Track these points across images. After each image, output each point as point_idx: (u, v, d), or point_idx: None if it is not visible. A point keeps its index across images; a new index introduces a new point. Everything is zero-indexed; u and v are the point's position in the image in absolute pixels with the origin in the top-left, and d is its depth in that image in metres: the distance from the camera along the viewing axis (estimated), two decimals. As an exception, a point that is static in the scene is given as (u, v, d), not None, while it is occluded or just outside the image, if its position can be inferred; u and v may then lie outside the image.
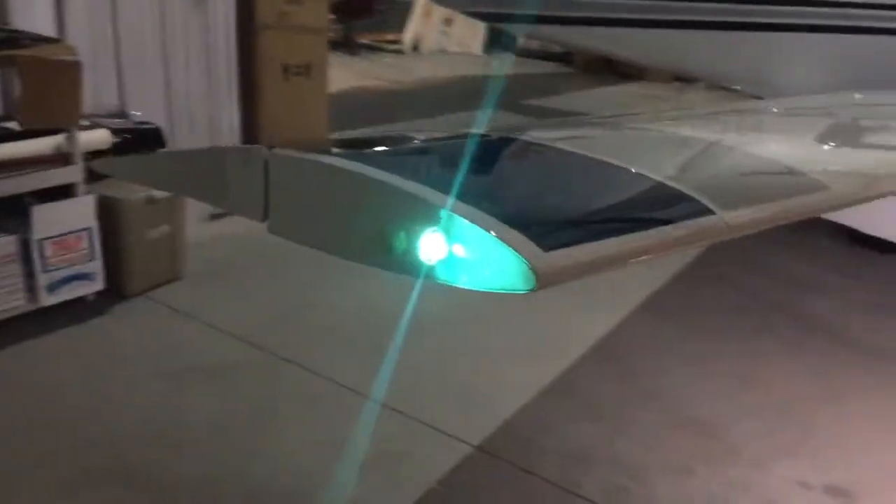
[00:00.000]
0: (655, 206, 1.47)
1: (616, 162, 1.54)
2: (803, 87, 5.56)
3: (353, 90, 8.84)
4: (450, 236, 1.25)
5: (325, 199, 1.40)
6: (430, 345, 3.93)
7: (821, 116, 3.00)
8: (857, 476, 3.14)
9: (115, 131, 4.20)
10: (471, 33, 12.45)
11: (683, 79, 9.32)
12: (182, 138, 4.88)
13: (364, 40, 11.97)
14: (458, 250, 1.25)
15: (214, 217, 5.23)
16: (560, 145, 1.65)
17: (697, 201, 1.51)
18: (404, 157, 1.49)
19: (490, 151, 1.55)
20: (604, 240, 1.32)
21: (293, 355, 3.74)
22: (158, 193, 4.15)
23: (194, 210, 4.81)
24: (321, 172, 1.40)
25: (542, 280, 1.19)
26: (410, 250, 1.28)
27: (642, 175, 1.53)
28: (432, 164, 1.46)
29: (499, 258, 1.21)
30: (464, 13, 9.53)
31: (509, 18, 8.45)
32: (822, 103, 3.47)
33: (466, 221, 1.23)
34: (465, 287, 1.28)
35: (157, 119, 4.58)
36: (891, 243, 5.16)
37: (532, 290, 1.20)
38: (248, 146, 1.49)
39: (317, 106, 5.83)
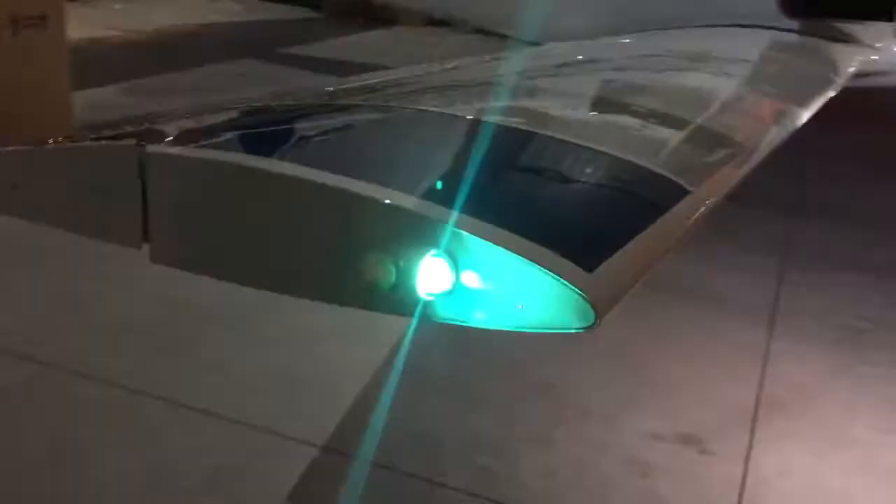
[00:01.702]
0: (647, 192, 1.22)
1: (580, 142, 1.27)
2: (567, 33, 5.60)
3: (86, 42, 7.78)
4: (458, 262, 0.92)
5: (254, 217, 1.01)
6: (235, 336, 3.49)
7: (652, 65, 2.93)
8: (703, 419, 3.19)
9: None
10: (208, -24, 11.50)
11: (438, 23, 9.20)
12: None
13: (83, -16, 10.63)
14: (470, 279, 0.93)
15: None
16: (492, 119, 1.34)
17: (674, 182, 1.29)
18: (342, 153, 1.12)
19: (439, 134, 1.21)
20: (631, 242, 1.06)
21: (82, 366, 3.16)
22: None
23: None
24: (243, 178, 1.00)
25: (600, 311, 0.91)
26: (402, 282, 0.95)
27: (614, 156, 1.27)
28: (386, 159, 1.09)
29: (538, 290, 0.90)
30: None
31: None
32: (629, 52, 3.43)
33: (486, 242, 0.91)
34: (482, 327, 0.96)
35: None
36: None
37: (588, 328, 0.91)
38: (115, 143, 1.04)
39: (56, 64, 5.00)
